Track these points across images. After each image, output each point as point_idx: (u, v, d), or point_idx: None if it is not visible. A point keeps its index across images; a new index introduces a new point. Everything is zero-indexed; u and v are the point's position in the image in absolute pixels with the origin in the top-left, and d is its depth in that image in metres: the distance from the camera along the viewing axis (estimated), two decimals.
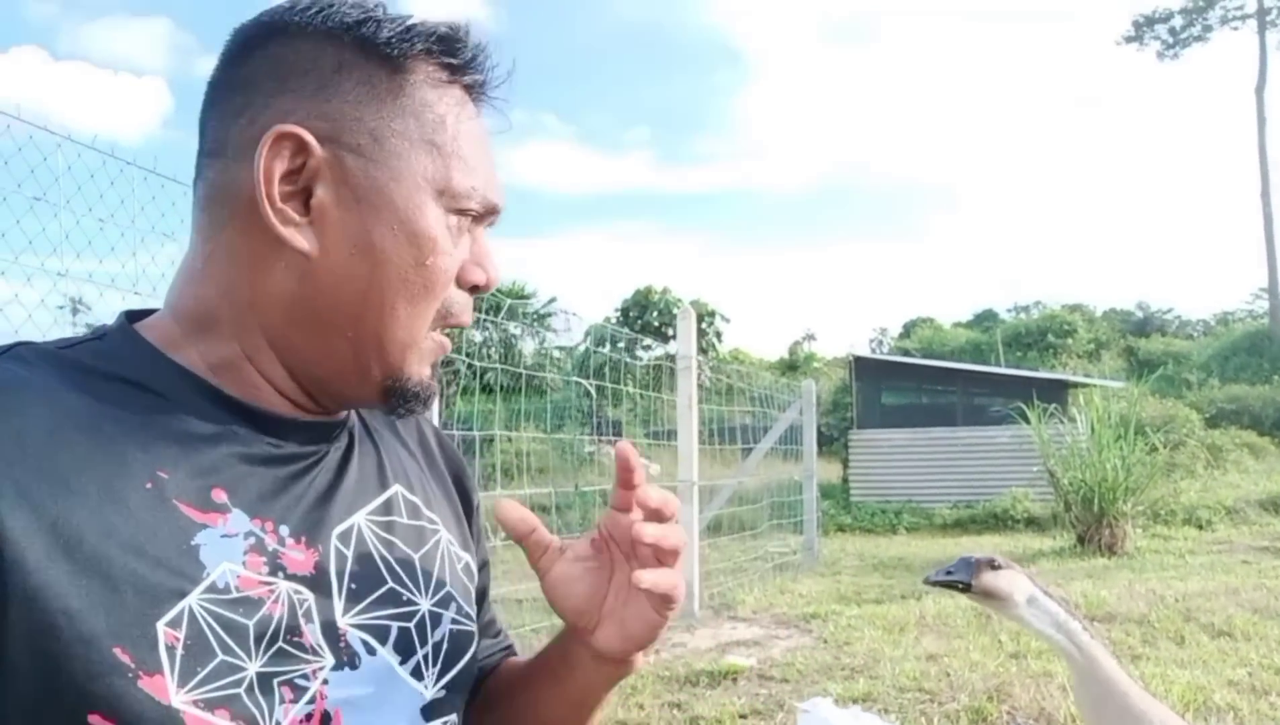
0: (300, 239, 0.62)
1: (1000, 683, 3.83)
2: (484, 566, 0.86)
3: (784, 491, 9.02)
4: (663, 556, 0.68)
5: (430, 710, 0.67)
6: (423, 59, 0.64)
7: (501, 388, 4.64)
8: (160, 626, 0.53)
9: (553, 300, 27.24)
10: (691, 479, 6.03)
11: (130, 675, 0.52)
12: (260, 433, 0.63)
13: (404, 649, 0.66)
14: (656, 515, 0.68)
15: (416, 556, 0.71)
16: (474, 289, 0.68)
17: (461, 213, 0.66)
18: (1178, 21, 29.16)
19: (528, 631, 4.84)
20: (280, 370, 0.65)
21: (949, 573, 1.61)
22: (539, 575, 0.71)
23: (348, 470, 0.69)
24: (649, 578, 0.66)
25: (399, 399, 0.66)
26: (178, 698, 0.53)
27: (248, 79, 0.64)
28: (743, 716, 3.62)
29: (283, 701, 0.57)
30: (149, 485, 0.56)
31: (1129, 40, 30.11)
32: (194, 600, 0.55)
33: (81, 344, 0.62)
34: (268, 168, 0.60)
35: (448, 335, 0.69)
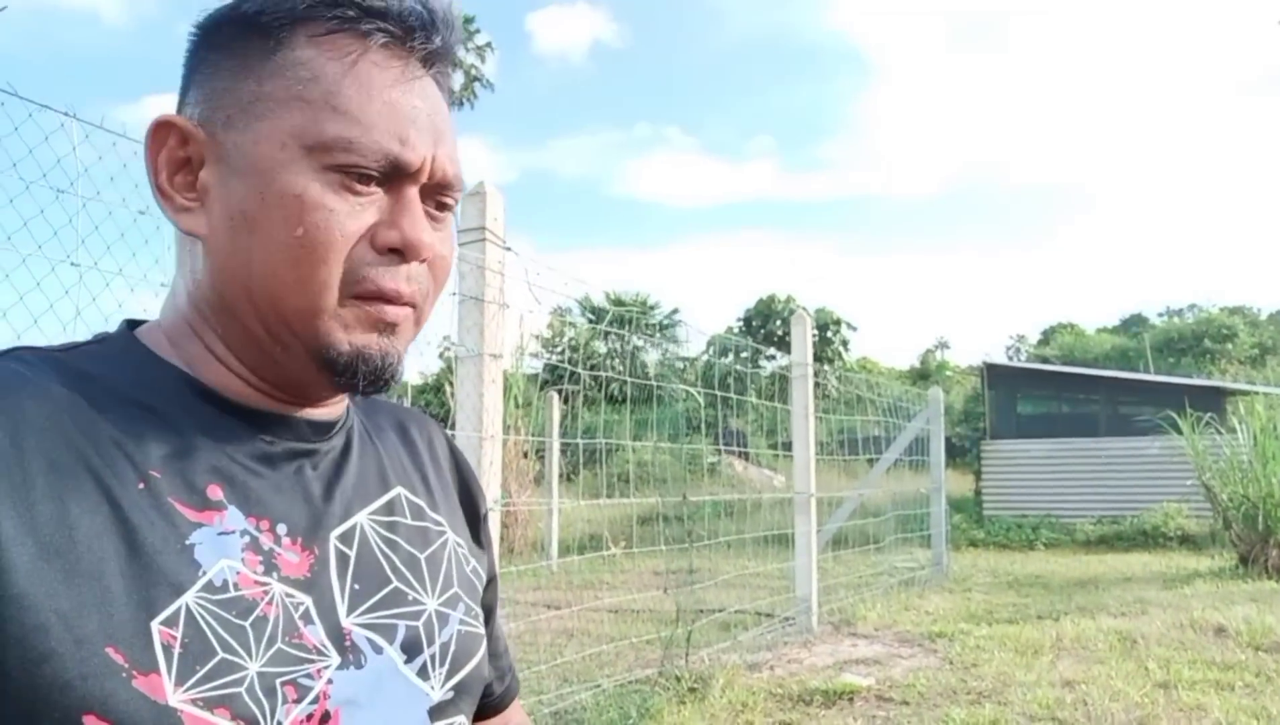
0: (191, 222, 0.63)
1: (1144, 715, 3.52)
2: (491, 582, 0.83)
3: (911, 504, 8.70)
4: None
5: (437, 712, 0.66)
6: (304, 21, 0.62)
7: (626, 398, 4.65)
8: (155, 626, 0.53)
9: (675, 311, 27.32)
10: (809, 491, 5.86)
11: (124, 675, 0.51)
12: (255, 430, 0.64)
13: (410, 649, 0.65)
14: None
15: (422, 557, 0.70)
16: (392, 251, 0.62)
17: (343, 169, 0.60)
18: None
19: (642, 642, 4.78)
20: (235, 361, 0.64)
21: None
22: None
23: (346, 469, 0.68)
24: None
25: (341, 373, 0.62)
26: (175, 697, 0.52)
27: (182, 89, 0.66)
28: None
29: (285, 701, 0.56)
30: (141, 485, 0.56)
31: None
32: (190, 598, 0.55)
33: (81, 348, 0.63)
34: (154, 159, 0.63)
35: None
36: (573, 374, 4.51)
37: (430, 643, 0.66)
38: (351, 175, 0.60)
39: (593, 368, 5.45)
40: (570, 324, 10.55)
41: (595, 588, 6.81)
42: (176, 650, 0.53)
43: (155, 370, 0.62)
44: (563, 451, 8.99)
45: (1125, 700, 3.77)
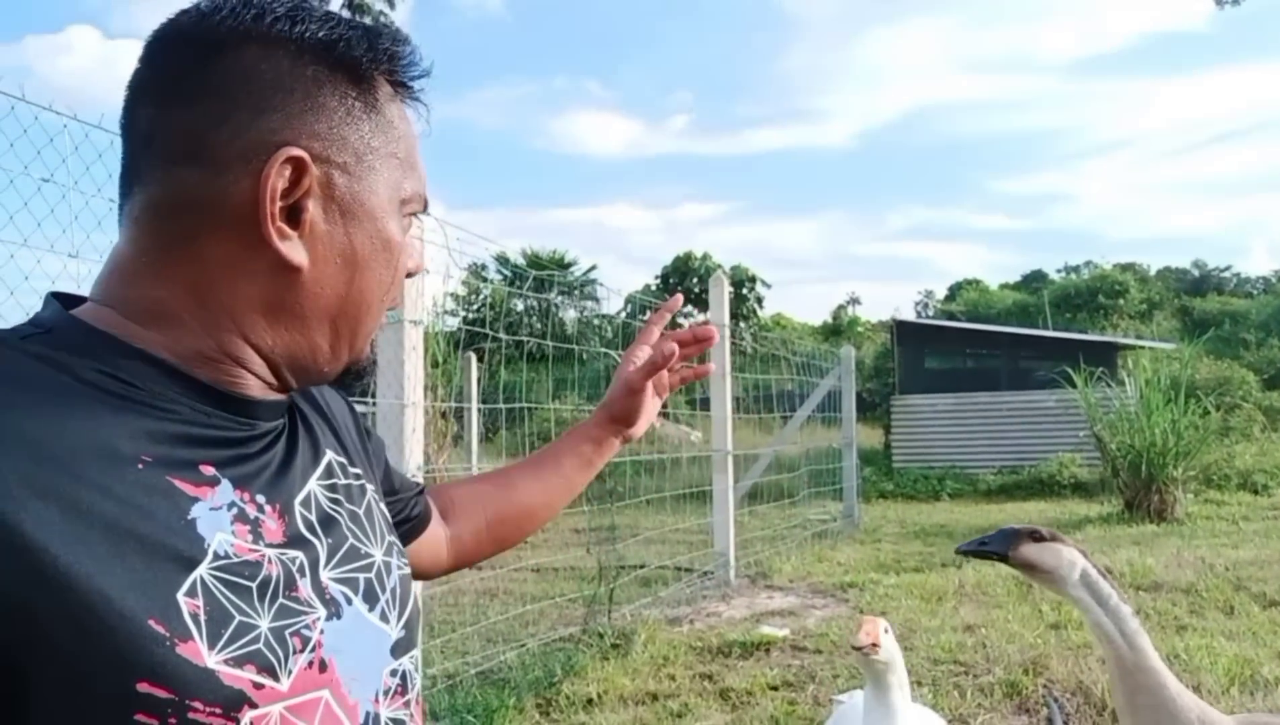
0: (294, 253, 0.66)
1: (1038, 655, 3.76)
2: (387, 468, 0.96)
3: (824, 458, 8.96)
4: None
5: (397, 648, 0.74)
6: (384, 76, 0.71)
7: (545, 357, 4.67)
8: (180, 597, 0.57)
9: (593, 268, 27.24)
10: (726, 448, 6.00)
11: (168, 644, 0.55)
12: (231, 412, 0.67)
13: (369, 597, 0.72)
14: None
15: (360, 512, 0.77)
16: (409, 274, 0.76)
17: (412, 215, 0.74)
18: None
19: (565, 601, 4.87)
20: (259, 361, 0.68)
21: (982, 543, 1.57)
22: (630, 394, 1.09)
23: (297, 442, 0.74)
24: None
25: (355, 376, 0.75)
26: (211, 659, 0.57)
27: (221, 87, 0.64)
28: (773, 688, 3.60)
29: (294, 652, 0.62)
30: (140, 466, 0.59)
31: None
32: (204, 570, 0.59)
33: (33, 336, 0.63)
34: (270, 185, 0.64)
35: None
36: (492, 336, 4.50)
37: (383, 590, 0.74)
38: (411, 219, 0.74)
39: (510, 327, 5.44)
40: (486, 281, 10.45)
41: (518, 548, 6.85)
42: (202, 618, 0.57)
43: (127, 357, 0.63)
44: (479, 411, 8.97)
45: (1020, 642, 4.03)
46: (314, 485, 0.73)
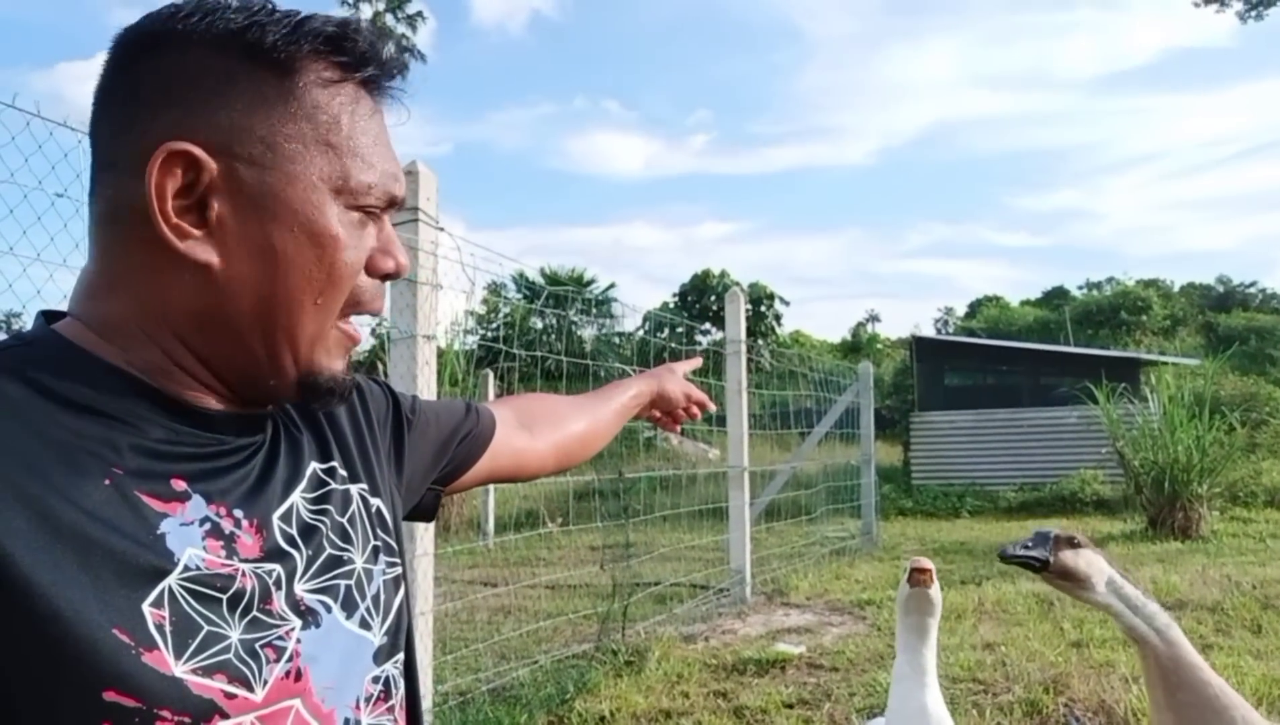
0: (200, 252, 0.63)
1: (1059, 673, 3.69)
2: (458, 432, 1.00)
3: (842, 475, 8.89)
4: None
5: (380, 654, 0.73)
6: (312, 59, 0.66)
7: (562, 374, 4.67)
8: (146, 608, 0.57)
9: (611, 286, 27.28)
10: (742, 465, 5.96)
11: (134, 652, 0.55)
12: (200, 428, 0.66)
13: (349, 605, 0.72)
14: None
15: (344, 520, 0.76)
16: (385, 276, 0.71)
17: (362, 209, 0.68)
18: None
19: (579, 618, 4.84)
20: (205, 372, 0.67)
21: (1026, 547, 1.50)
22: (668, 402, 1.34)
23: (277, 455, 0.73)
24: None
25: (312, 392, 0.70)
26: (178, 668, 0.57)
27: (133, 90, 0.64)
28: (788, 706, 3.56)
29: (268, 662, 0.62)
30: (108, 482, 0.58)
31: (1208, 2, 28.77)
32: (171, 582, 0.59)
33: (11, 349, 0.63)
34: (160, 185, 0.61)
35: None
36: (509, 353, 4.51)
37: (364, 597, 0.73)
38: (365, 213, 0.68)
39: (528, 344, 5.44)
40: (504, 299, 10.49)
41: (532, 564, 6.83)
42: (168, 628, 0.57)
43: (99, 371, 0.63)
44: None
45: (1041, 660, 3.96)
46: (296, 498, 0.72)
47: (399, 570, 0.81)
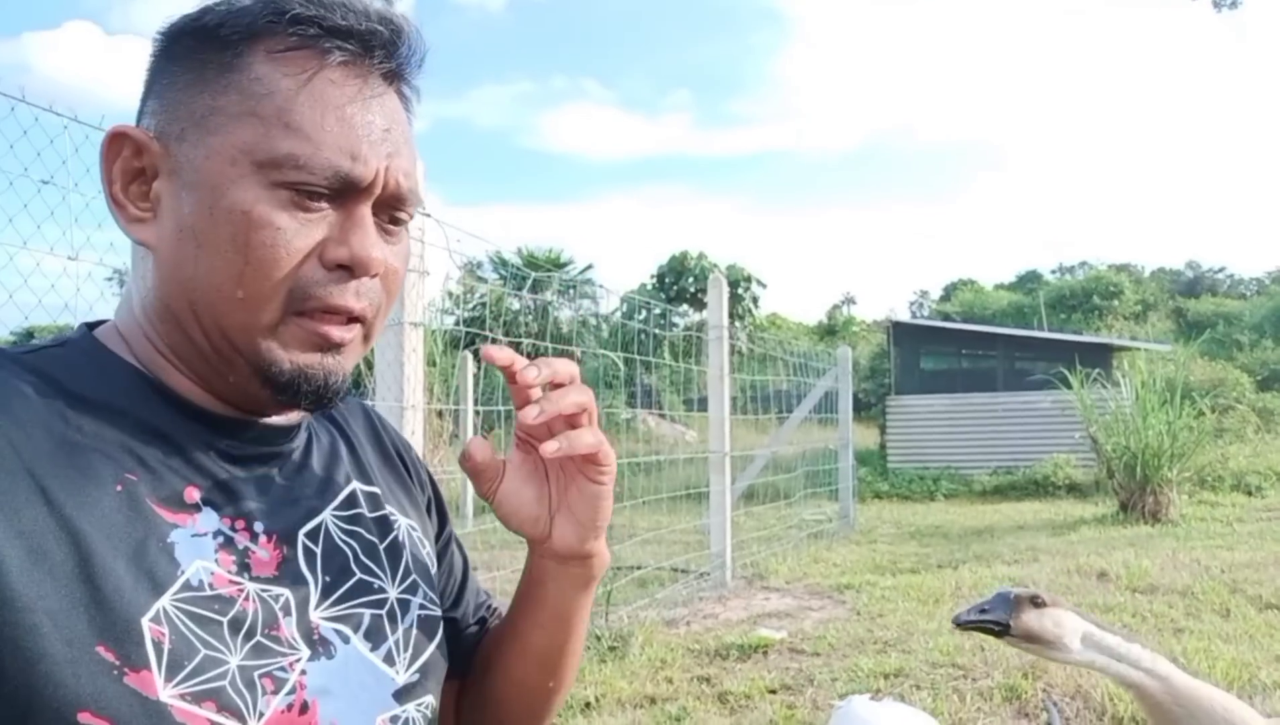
0: (143, 233, 0.63)
1: (1037, 659, 3.76)
2: (450, 539, 0.88)
3: (819, 459, 8.96)
4: (572, 420, 0.68)
5: (404, 694, 0.68)
6: (265, 36, 0.61)
7: (538, 356, 4.66)
8: (145, 623, 0.55)
9: (589, 267, 27.22)
10: (724, 449, 5.99)
11: (115, 673, 0.53)
12: (223, 435, 0.65)
13: (374, 637, 0.68)
14: (555, 387, 0.68)
15: (381, 547, 0.72)
16: (341, 268, 0.62)
17: (293, 186, 0.60)
18: None
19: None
20: (186, 369, 0.65)
21: (983, 610, 1.40)
22: (490, 504, 0.72)
23: (308, 469, 0.70)
24: (552, 446, 0.66)
25: (283, 391, 0.63)
26: (165, 692, 0.54)
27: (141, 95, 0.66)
28: (772, 691, 3.60)
29: (265, 693, 0.59)
30: (119, 488, 0.57)
31: None
32: (169, 598, 0.56)
33: (44, 350, 0.63)
34: (109, 168, 0.63)
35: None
36: (489, 336, 4.49)
37: (394, 629, 0.69)
38: (301, 192, 0.60)
39: (506, 326, 5.42)
40: (481, 280, 10.44)
41: (513, 548, 6.84)
42: (166, 647, 0.55)
43: (121, 374, 0.63)
44: (476, 411, 8.94)
45: None
46: (326, 516, 0.69)
47: (438, 613, 0.76)
